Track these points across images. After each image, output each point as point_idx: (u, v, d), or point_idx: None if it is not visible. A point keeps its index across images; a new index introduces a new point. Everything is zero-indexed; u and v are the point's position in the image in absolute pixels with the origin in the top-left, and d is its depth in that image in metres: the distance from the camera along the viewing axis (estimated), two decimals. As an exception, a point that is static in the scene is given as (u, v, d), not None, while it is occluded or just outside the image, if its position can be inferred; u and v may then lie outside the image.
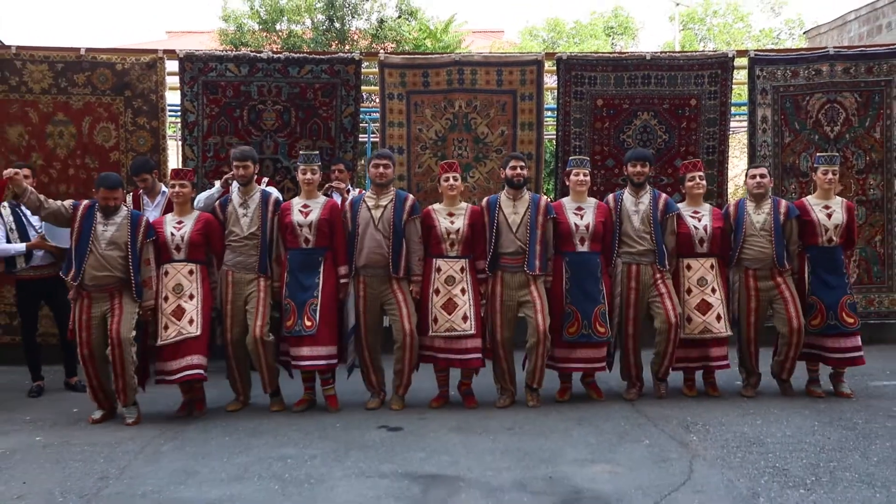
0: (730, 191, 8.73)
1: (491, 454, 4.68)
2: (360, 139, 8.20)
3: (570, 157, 6.18)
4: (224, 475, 4.38)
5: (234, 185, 5.98)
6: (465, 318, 5.60)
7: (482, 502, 3.97)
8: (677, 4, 27.50)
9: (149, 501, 4.02)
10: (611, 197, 5.99)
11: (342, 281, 5.69)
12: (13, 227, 6.24)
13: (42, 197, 5.44)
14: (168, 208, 6.37)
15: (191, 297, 5.54)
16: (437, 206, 5.86)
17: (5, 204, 6.31)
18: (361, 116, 8.71)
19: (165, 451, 4.83)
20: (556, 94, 7.82)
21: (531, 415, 5.54)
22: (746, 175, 6.10)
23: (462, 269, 5.69)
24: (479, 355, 5.67)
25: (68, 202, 5.54)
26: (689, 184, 5.98)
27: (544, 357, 5.72)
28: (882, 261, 7.75)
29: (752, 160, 7.68)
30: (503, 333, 5.71)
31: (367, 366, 5.78)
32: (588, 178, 5.88)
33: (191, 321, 5.48)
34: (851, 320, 5.81)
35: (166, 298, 5.52)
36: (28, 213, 6.21)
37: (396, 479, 4.30)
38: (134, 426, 5.38)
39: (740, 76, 8.05)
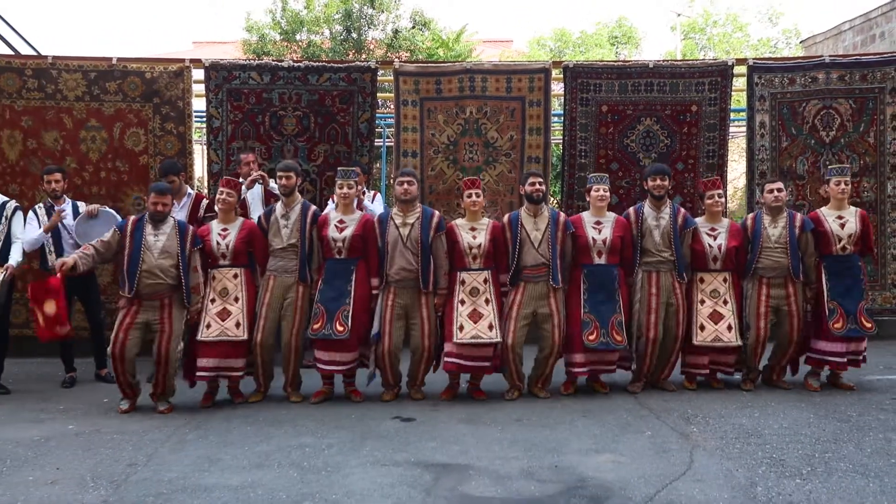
0: (729, 192, 8.67)
1: (499, 444, 4.67)
2: (375, 144, 8.20)
3: (591, 174, 6.14)
4: (245, 463, 4.39)
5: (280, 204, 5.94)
6: (490, 326, 5.56)
7: (491, 490, 3.95)
8: (679, 15, 27.42)
9: (174, 487, 4.02)
10: (632, 210, 5.94)
11: (374, 292, 5.70)
12: (46, 222, 6.23)
13: (90, 252, 5.41)
14: (193, 209, 6.39)
15: (236, 299, 5.59)
16: (459, 221, 5.84)
17: (41, 204, 6.36)
18: (377, 122, 8.72)
19: (190, 440, 4.84)
20: (562, 100, 7.79)
21: (538, 407, 5.52)
22: (763, 189, 6.03)
23: (485, 281, 5.67)
24: (498, 362, 5.71)
25: (109, 233, 5.49)
26: (709, 201, 5.93)
27: (553, 367, 5.77)
28: (876, 260, 7.68)
29: (751, 164, 7.64)
30: (515, 338, 5.67)
31: (387, 369, 5.74)
32: (608, 193, 5.85)
33: (237, 324, 5.53)
34: (869, 325, 5.77)
35: (213, 301, 5.56)
36: (62, 216, 6.23)
37: (409, 467, 4.29)
38: (161, 415, 5.40)
39: (739, 83, 7.98)
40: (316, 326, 5.56)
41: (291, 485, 4.04)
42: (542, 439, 4.75)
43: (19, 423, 5.27)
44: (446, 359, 5.66)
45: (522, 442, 4.70)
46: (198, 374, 5.55)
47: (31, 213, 6.34)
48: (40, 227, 6.23)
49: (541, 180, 5.81)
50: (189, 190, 6.58)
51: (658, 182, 5.84)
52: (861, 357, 5.88)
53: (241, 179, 6.63)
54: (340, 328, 5.51)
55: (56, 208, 6.23)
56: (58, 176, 6.28)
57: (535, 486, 4.00)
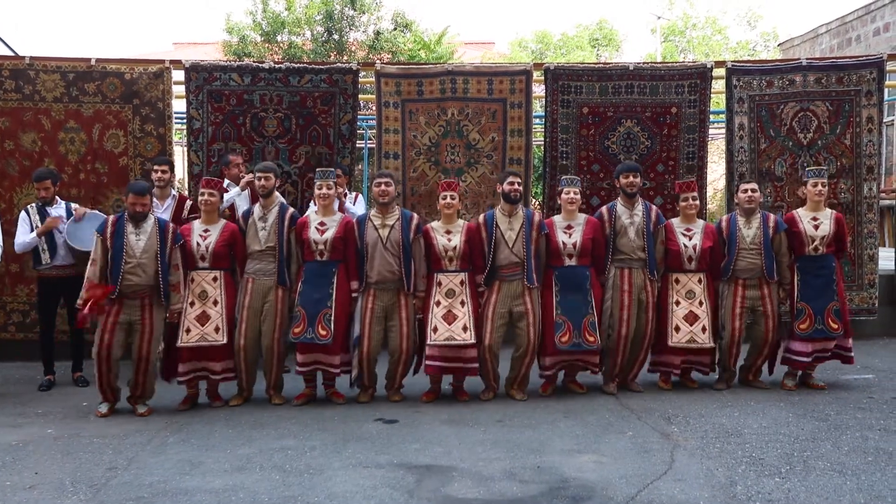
0: (709, 194, 8.74)
1: (482, 445, 4.67)
2: (357, 145, 8.17)
3: (563, 177, 6.17)
4: (227, 466, 4.36)
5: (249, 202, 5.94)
6: (465, 328, 5.57)
7: (474, 491, 3.96)
8: (659, 18, 27.62)
9: (155, 491, 3.99)
10: (604, 209, 5.96)
11: (353, 295, 5.68)
12: (38, 224, 6.20)
13: (101, 274, 5.35)
14: (177, 212, 6.34)
15: (215, 302, 5.54)
16: (434, 224, 5.84)
17: (33, 205, 6.33)
18: (359, 123, 8.69)
19: (171, 443, 4.80)
20: (544, 102, 7.80)
21: (520, 407, 5.53)
22: (737, 189, 6.09)
23: (462, 283, 5.68)
24: (478, 364, 5.68)
25: (97, 244, 5.40)
26: (683, 203, 5.98)
27: (530, 367, 5.77)
28: (853, 261, 7.75)
29: (730, 166, 7.69)
30: (492, 338, 5.68)
31: (364, 371, 5.71)
32: (578, 196, 5.86)
33: (217, 329, 5.50)
34: (836, 326, 5.83)
35: (192, 304, 5.52)
36: (52, 214, 6.21)
37: (392, 469, 4.28)
38: (141, 418, 5.36)
39: (718, 86, 8.06)
40: (297, 330, 5.53)
41: (273, 488, 4.02)
42: (525, 440, 4.76)
43: (-3, 427, 5.21)
44: (427, 361, 5.66)
45: (505, 443, 4.71)
46: (178, 379, 5.53)
47: (23, 213, 6.33)
48: (31, 226, 6.21)
49: (519, 180, 5.83)
50: (172, 191, 6.54)
51: (630, 179, 5.88)
52: (849, 355, 5.94)
53: (227, 181, 6.60)
54: (323, 332, 5.49)
55: (49, 210, 6.22)
56: (47, 184, 6.23)
57: (518, 486, 4.01)
